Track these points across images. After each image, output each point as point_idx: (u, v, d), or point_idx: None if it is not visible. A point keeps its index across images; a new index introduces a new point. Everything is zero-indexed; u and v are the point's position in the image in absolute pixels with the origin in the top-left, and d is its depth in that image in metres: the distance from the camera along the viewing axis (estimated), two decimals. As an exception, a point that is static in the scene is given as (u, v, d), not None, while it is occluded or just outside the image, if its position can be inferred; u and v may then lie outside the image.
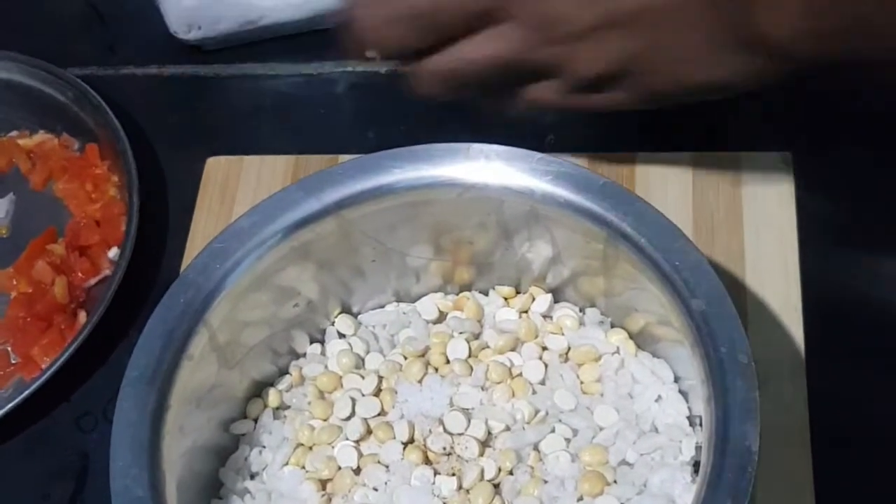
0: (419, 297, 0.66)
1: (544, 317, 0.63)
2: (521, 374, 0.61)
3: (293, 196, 0.59)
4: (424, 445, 0.58)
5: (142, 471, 0.52)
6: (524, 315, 0.64)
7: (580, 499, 0.56)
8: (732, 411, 0.50)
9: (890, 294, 0.69)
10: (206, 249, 0.58)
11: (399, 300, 0.66)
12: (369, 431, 0.60)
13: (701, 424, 0.56)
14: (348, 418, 0.60)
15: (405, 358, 0.62)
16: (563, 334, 0.62)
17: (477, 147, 0.59)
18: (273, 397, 0.62)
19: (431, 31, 0.59)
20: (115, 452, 0.52)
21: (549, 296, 0.64)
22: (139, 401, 0.53)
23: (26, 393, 0.67)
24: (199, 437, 0.58)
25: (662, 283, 0.55)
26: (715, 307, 0.53)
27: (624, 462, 0.57)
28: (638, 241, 0.55)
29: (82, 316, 0.72)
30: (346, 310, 0.65)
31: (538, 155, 0.58)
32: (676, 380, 0.59)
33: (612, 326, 0.62)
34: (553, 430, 0.58)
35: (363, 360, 0.63)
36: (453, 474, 0.57)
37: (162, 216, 0.76)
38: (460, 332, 0.63)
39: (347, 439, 0.59)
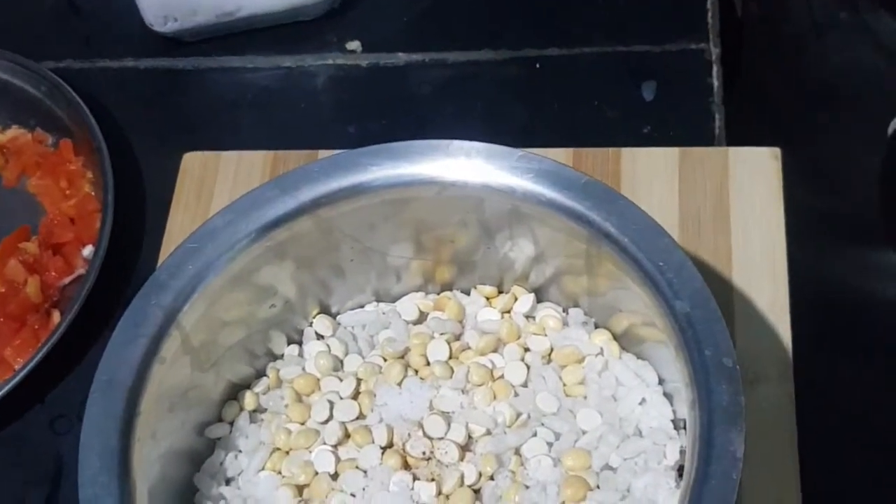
0: (399, 297, 0.64)
1: (527, 317, 0.62)
2: (502, 377, 0.59)
3: (268, 194, 0.58)
4: (403, 450, 0.57)
5: (111, 479, 0.50)
6: (506, 315, 0.62)
7: (562, 504, 0.54)
8: (717, 416, 0.49)
9: (881, 290, 0.68)
10: (179, 250, 0.56)
11: (379, 300, 0.65)
12: (347, 435, 0.58)
13: (685, 428, 0.55)
14: (326, 422, 0.59)
15: (384, 359, 0.61)
16: (545, 335, 0.61)
17: (457, 144, 0.57)
18: (249, 400, 0.61)
19: None
20: (83, 460, 0.51)
21: (532, 295, 0.62)
22: (108, 407, 0.52)
23: (-1, 395, 0.65)
24: (172, 442, 0.56)
25: (646, 284, 0.53)
26: (700, 309, 0.51)
27: (607, 467, 0.56)
28: (621, 241, 0.54)
29: (56, 316, 0.71)
30: (324, 310, 0.64)
31: (519, 152, 0.57)
32: (661, 382, 0.58)
33: (596, 327, 0.61)
34: (535, 434, 0.57)
35: (342, 361, 0.62)
36: (433, 480, 0.56)
37: (138, 213, 0.75)
38: (441, 333, 0.61)
39: (325, 444, 0.58)
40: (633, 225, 0.54)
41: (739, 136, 0.73)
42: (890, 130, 0.71)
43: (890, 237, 0.69)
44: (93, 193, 0.75)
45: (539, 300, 0.63)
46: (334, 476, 0.57)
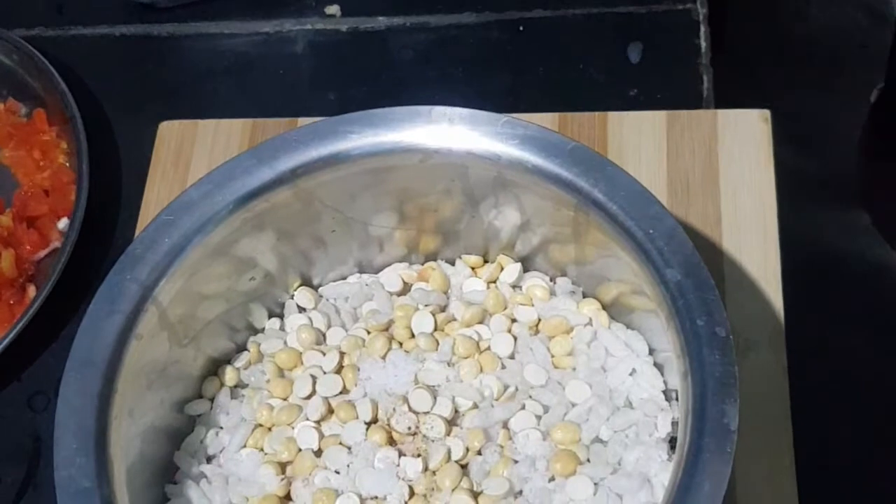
0: (382, 268, 0.63)
1: (513, 287, 0.61)
2: (489, 348, 0.58)
3: (245, 164, 0.56)
4: (388, 425, 0.55)
5: (88, 459, 0.49)
6: (492, 285, 0.61)
7: (552, 479, 0.53)
8: (710, 388, 0.47)
9: (870, 253, 0.67)
10: (154, 223, 0.55)
11: (361, 271, 0.63)
12: (331, 411, 0.57)
13: (677, 399, 0.54)
14: (309, 397, 0.57)
15: (368, 332, 0.60)
16: (532, 305, 0.60)
17: (439, 110, 0.56)
18: (230, 375, 0.59)
19: None
20: (58, 441, 0.49)
21: (519, 265, 0.61)
22: (84, 385, 0.51)
23: (-27, 373, 0.64)
24: (151, 419, 0.55)
25: (635, 252, 0.52)
26: (691, 277, 0.50)
27: (597, 440, 0.54)
28: (609, 208, 0.53)
29: (31, 290, 0.69)
30: (306, 282, 0.62)
31: (504, 118, 0.55)
32: (651, 352, 0.57)
33: (584, 296, 0.60)
34: (523, 407, 0.56)
35: (324, 335, 0.60)
36: (419, 455, 0.55)
37: (114, 184, 0.74)
38: (426, 305, 0.60)
39: (308, 419, 0.57)
40: (621, 191, 0.53)
41: (728, 98, 0.72)
42: (873, 97, 0.70)
43: (868, 204, 0.68)
44: (67, 164, 0.73)
45: (526, 270, 0.61)
46: (318, 453, 0.56)
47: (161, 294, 0.54)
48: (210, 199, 0.55)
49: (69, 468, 0.49)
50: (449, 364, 0.57)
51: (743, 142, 0.67)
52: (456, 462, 0.54)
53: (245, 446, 0.57)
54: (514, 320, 0.59)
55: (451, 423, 0.56)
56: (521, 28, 0.78)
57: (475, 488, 0.54)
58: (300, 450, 0.56)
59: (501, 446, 0.55)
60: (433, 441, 0.55)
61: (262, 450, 0.57)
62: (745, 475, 0.57)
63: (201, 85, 0.78)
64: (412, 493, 0.54)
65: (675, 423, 0.54)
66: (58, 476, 0.48)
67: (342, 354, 0.59)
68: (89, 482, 0.48)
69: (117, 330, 0.52)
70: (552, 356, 0.58)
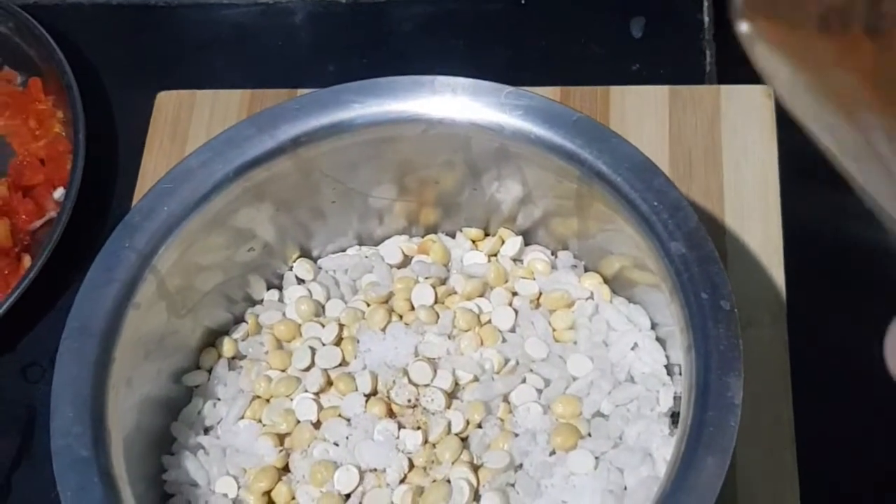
0: (382, 240, 0.62)
1: (514, 260, 0.60)
2: (489, 322, 0.58)
3: (245, 133, 0.55)
4: (388, 397, 0.55)
5: (85, 428, 0.48)
6: (493, 258, 0.60)
7: (552, 453, 0.53)
8: (714, 361, 0.47)
9: (873, 231, 0.66)
10: (152, 191, 0.54)
11: (361, 243, 0.63)
12: (329, 383, 0.56)
13: (679, 373, 0.53)
14: (307, 369, 0.57)
15: (367, 305, 0.59)
16: (534, 279, 0.59)
17: (442, 80, 0.55)
18: (228, 347, 0.59)
19: None
20: (55, 409, 0.49)
21: (520, 238, 0.60)
22: (81, 354, 0.50)
23: (-33, 342, 0.64)
24: (148, 390, 0.55)
25: (639, 225, 0.52)
26: (696, 250, 0.50)
27: (598, 414, 0.54)
28: (613, 180, 0.52)
29: (27, 260, 0.68)
30: (305, 254, 0.62)
31: (508, 88, 0.55)
32: (653, 326, 0.56)
33: (586, 270, 0.59)
34: (524, 381, 0.55)
35: (323, 307, 0.60)
36: (418, 428, 0.54)
37: (110, 154, 0.73)
38: (426, 277, 0.59)
39: (306, 391, 0.56)
40: (625, 163, 0.52)
41: (731, 73, 0.71)
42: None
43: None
44: (63, 134, 0.72)
45: (527, 243, 0.61)
46: (316, 424, 0.55)
47: (159, 263, 0.53)
48: (209, 167, 0.55)
49: (66, 437, 0.48)
50: (449, 337, 0.57)
51: (746, 118, 0.67)
52: (456, 435, 0.54)
53: (243, 418, 0.56)
54: (514, 294, 0.59)
55: (452, 395, 0.55)
56: (522, 1, 0.77)
57: (475, 461, 0.53)
58: (299, 421, 0.55)
59: (502, 419, 0.54)
60: (433, 414, 0.55)
61: (260, 421, 0.56)
62: (745, 449, 0.56)
63: (199, 55, 0.77)
64: (411, 466, 0.54)
65: (676, 398, 0.53)
66: (54, 445, 0.48)
67: (341, 326, 0.58)
68: (86, 451, 0.48)
69: (115, 298, 0.52)
70: (553, 330, 0.57)
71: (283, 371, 0.57)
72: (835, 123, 0.26)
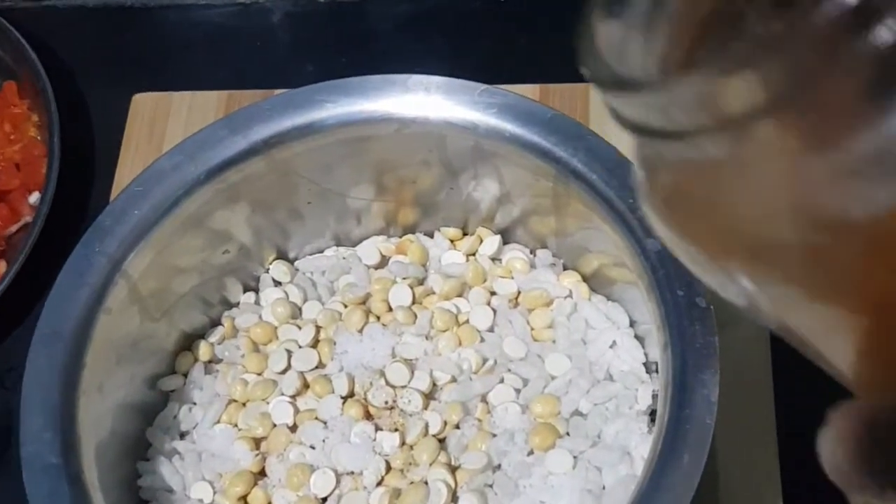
0: (360, 241, 0.62)
1: (493, 259, 0.60)
2: (468, 322, 0.57)
3: (218, 134, 0.55)
4: (365, 399, 0.55)
5: (55, 435, 0.48)
6: (471, 258, 0.60)
7: (530, 453, 0.52)
8: (690, 359, 0.46)
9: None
10: (123, 194, 0.53)
11: (339, 244, 0.62)
12: (306, 386, 0.56)
13: (658, 371, 0.53)
14: (284, 372, 0.56)
15: (345, 306, 0.58)
16: (512, 278, 0.59)
17: (416, 78, 0.55)
18: (204, 350, 0.58)
19: None
20: (24, 416, 0.48)
21: (498, 237, 0.60)
22: (51, 360, 0.49)
23: (-58, 349, 0.63)
24: (122, 395, 0.54)
25: (616, 223, 0.51)
26: (672, 247, 0.49)
27: (577, 413, 0.54)
28: (589, 178, 0.52)
29: (2, 266, 0.68)
30: (281, 255, 0.61)
31: (482, 86, 0.54)
32: (632, 324, 0.56)
33: (565, 268, 0.59)
34: (502, 381, 0.55)
35: (300, 309, 0.59)
36: (396, 430, 0.54)
37: (86, 158, 0.72)
38: (403, 278, 0.59)
39: (283, 394, 0.56)
40: (601, 161, 0.52)
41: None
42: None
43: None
44: (39, 138, 0.71)
45: (505, 242, 0.60)
46: (293, 428, 0.55)
47: (131, 267, 0.53)
48: (181, 169, 0.54)
49: (35, 444, 0.48)
50: (427, 337, 0.56)
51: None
52: (433, 436, 0.53)
53: (219, 422, 0.56)
54: (493, 293, 0.58)
55: (429, 396, 0.55)
56: (501, -1, 0.76)
57: (453, 462, 0.53)
58: (275, 425, 0.55)
59: (480, 420, 0.54)
60: (410, 415, 0.54)
61: (236, 425, 0.56)
62: (726, 444, 0.56)
63: (177, 56, 0.77)
64: (389, 468, 0.53)
65: (655, 396, 0.53)
66: (24, 452, 0.47)
67: (318, 328, 0.58)
68: (56, 458, 0.47)
69: (85, 304, 0.51)
70: (532, 329, 0.57)
71: (259, 374, 0.57)
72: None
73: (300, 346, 0.57)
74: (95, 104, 0.75)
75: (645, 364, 0.54)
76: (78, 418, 0.49)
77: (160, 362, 0.58)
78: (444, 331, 0.56)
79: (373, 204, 0.60)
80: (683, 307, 0.47)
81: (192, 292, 0.58)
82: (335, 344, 0.57)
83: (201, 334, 0.59)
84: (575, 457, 0.52)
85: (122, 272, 0.52)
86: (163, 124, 0.71)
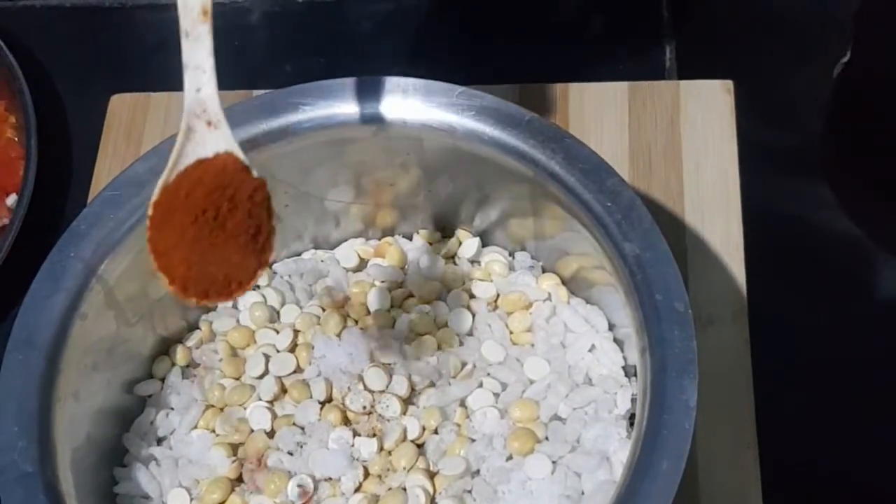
0: (338, 244, 0.62)
1: (472, 262, 0.60)
2: (446, 325, 0.57)
3: (193, 138, 0.54)
4: (343, 404, 0.54)
5: (30, 443, 0.48)
6: (450, 261, 0.60)
7: (509, 458, 0.52)
8: (669, 363, 0.46)
9: (833, 225, 0.66)
10: (98, 198, 0.53)
11: (317, 247, 0.62)
12: (284, 391, 0.56)
13: (636, 375, 0.53)
14: (261, 377, 0.56)
15: (323, 310, 0.58)
16: (491, 281, 0.58)
17: (393, 81, 0.54)
18: (181, 355, 0.58)
19: None
20: (-1, 424, 0.48)
21: (477, 239, 0.60)
22: (25, 367, 0.49)
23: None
24: (98, 400, 0.54)
25: (594, 226, 0.51)
26: (650, 251, 0.49)
27: (556, 417, 0.53)
28: (567, 181, 0.52)
29: (-21, 269, 0.67)
30: (259, 258, 0.61)
31: (459, 88, 0.54)
32: (611, 328, 0.56)
33: (544, 271, 0.59)
34: (480, 385, 0.55)
35: (278, 312, 0.59)
36: (374, 435, 0.53)
37: (63, 159, 0.72)
38: (382, 281, 0.59)
39: (260, 400, 0.55)
40: (579, 164, 0.52)
41: (691, 69, 0.70)
42: (836, 71, 0.69)
43: (831, 176, 0.67)
44: (16, 139, 0.71)
45: (484, 244, 0.60)
46: (270, 433, 0.54)
47: (106, 272, 0.52)
48: (157, 173, 0.53)
49: (10, 452, 0.47)
50: (405, 341, 0.56)
51: (706, 113, 0.66)
52: (412, 441, 0.53)
53: (196, 427, 0.55)
54: (472, 296, 0.58)
55: (408, 401, 0.54)
56: (480, -2, 0.76)
57: (431, 468, 0.53)
58: (252, 430, 0.54)
59: (458, 425, 0.54)
60: (388, 420, 0.54)
61: (213, 431, 0.55)
62: (707, 448, 0.56)
63: (154, 57, 0.76)
64: (367, 475, 0.53)
65: (634, 400, 0.53)
66: (-2, 461, 0.47)
67: (296, 332, 0.57)
68: (31, 467, 0.47)
69: (60, 309, 0.51)
70: (511, 332, 0.56)
71: (236, 379, 0.57)
72: None
73: (278, 351, 0.57)
74: (73, 105, 0.74)
75: (624, 368, 0.54)
76: (54, 425, 0.49)
77: (137, 367, 0.57)
78: (423, 334, 0.56)
79: (351, 206, 0.60)
80: (662, 311, 0.47)
81: (169, 296, 0.57)
82: (313, 348, 0.56)
83: (178, 339, 0.59)
84: (554, 462, 0.51)
85: (97, 277, 0.52)
86: (141, 125, 0.70)
